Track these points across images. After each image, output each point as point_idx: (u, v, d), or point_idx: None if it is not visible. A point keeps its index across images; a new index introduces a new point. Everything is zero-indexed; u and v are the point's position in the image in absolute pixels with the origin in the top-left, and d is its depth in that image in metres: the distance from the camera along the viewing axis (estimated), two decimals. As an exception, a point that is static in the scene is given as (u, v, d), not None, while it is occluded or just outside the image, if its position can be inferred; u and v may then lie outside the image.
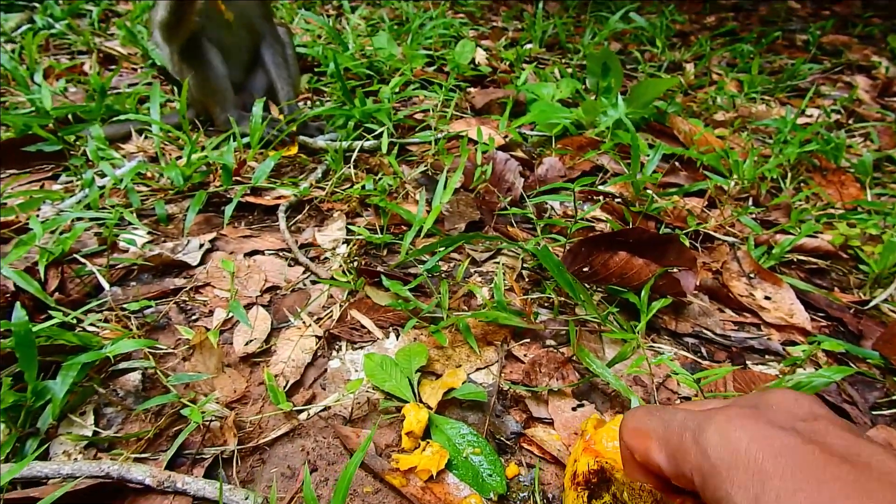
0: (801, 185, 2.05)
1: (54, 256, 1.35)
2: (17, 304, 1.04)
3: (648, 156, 1.86)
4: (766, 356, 1.34)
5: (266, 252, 1.54)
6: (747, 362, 1.31)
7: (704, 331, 1.38)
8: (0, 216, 1.53)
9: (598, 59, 2.35)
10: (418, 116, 2.25)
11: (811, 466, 0.43)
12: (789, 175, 2.06)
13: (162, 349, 1.21)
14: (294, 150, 1.96)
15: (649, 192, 1.79)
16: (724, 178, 1.93)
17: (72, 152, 1.84)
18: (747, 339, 1.37)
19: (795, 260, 1.67)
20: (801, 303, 1.48)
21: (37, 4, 2.89)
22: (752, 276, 1.58)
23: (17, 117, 1.81)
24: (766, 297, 1.51)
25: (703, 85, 3.06)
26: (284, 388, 1.15)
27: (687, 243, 1.56)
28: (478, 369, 1.21)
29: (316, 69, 2.55)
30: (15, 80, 2.20)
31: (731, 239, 1.71)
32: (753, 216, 1.83)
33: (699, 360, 1.29)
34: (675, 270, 1.39)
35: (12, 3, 2.91)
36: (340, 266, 1.48)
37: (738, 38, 3.85)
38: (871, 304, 1.51)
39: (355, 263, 1.47)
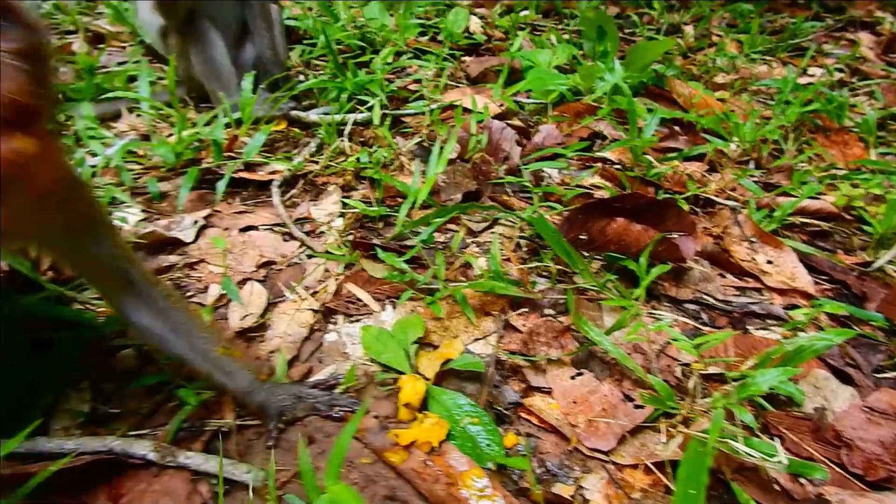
0: (804, 146, 2.01)
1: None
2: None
3: (647, 120, 1.82)
4: (768, 321, 1.32)
5: (261, 227, 1.52)
6: (748, 327, 1.29)
7: (705, 296, 1.37)
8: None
9: (594, 22, 2.29)
10: (412, 87, 2.21)
11: None
12: (791, 136, 2.02)
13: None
14: (284, 124, 1.93)
15: (648, 157, 1.75)
16: (724, 142, 1.90)
17: (62, 132, 1.82)
18: (749, 303, 1.36)
19: (798, 223, 1.64)
20: (804, 266, 1.46)
21: (22, -17, 2.83)
22: (753, 240, 1.56)
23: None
24: (768, 262, 1.49)
25: (703, 47, 3.00)
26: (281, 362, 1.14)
27: (686, 208, 1.54)
28: (476, 340, 1.20)
29: (306, 41, 2.50)
30: (2, 61, 2.16)
31: (731, 203, 1.69)
32: (755, 179, 1.80)
33: (700, 327, 1.28)
34: (674, 236, 1.37)
35: (-3, -18, 2.85)
36: (336, 240, 1.46)
37: (740, -1, 3.76)
38: (875, 265, 1.49)
39: (351, 237, 1.46)
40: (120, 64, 2.34)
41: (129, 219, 1.46)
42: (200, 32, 1.92)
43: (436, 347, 1.17)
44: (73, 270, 0.99)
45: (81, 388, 1.08)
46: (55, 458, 0.93)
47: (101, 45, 2.53)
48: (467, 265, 1.39)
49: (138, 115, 2.01)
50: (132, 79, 2.17)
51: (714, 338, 1.07)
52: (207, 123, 1.81)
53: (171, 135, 1.84)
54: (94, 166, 1.64)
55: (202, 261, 1.39)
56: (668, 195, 1.64)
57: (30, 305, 1.07)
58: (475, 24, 2.84)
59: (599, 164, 1.77)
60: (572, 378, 1.12)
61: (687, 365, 1.16)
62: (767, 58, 2.91)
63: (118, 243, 0.97)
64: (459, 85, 2.25)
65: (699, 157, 1.90)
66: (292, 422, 1.02)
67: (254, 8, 2.08)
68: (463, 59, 2.48)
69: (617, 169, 1.76)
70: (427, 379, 1.07)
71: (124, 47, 2.51)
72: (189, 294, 1.31)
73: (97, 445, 0.94)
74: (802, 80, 2.48)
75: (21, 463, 0.91)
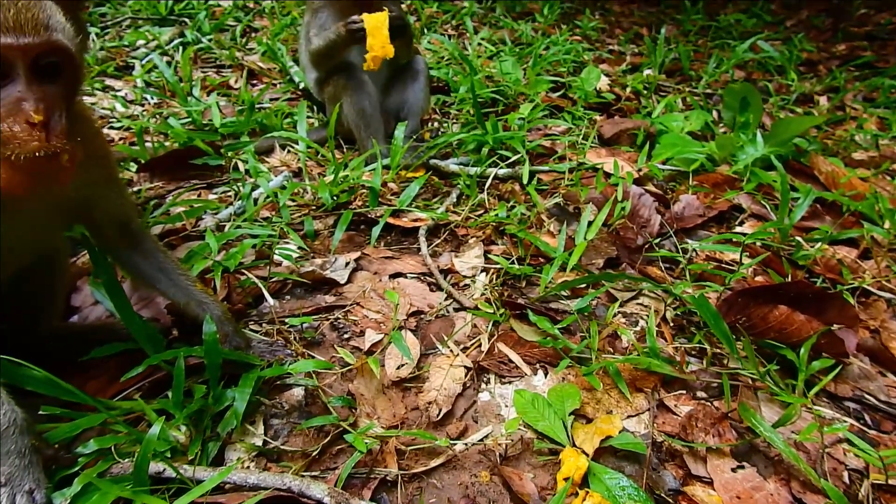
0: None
1: (224, 268, 1.44)
2: (207, 316, 1.11)
3: (798, 199, 1.77)
4: (940, 431, 1.24)
5: (408, 275, 1.58)
6: (920, 436, 1.22)
7: (867, 395, 1.31)
8: (167, 224, 1.66)
9: (738, 93, 2.27)
10: (546, 144, 2.25)
11: None
12: (948, 227, 1.91)
13: (329, 368, 1.25)
14: (423, 171, 2.00)
15: (798, 239, 1.70)
16: (879, 228, 1.81)
17: (223, 164, 1.97)
18: (916, 409, 1.28)
19: (962, 323, 1.54)
20: (974, 373, 1.37)
21: (187, 20, 3.11)
22: (914, 338, 1.48)
23: (183, 131, 1.95)
24: (933, 364, 1.40)
25: (839, 120, 2.90)
26: (437, 416, 1.17)
27: (852, 300, 1.48)
28: (629, 416, 1.20)
29: (452, 93, 2.60)
30: (173, 93, 2.37)
31: (888, 295, 1.61)
32: (913, 271, 1.71)
33: (864, 429, 1.22)
34: (836, 328, 1.32)
35: (165, 18, 3.16)
36: (483, 295, 1.50)
37: (876, 71, 3.62)
38: None
39: (494, 293, 1.49)
40: (272, 100, 2.51)
41: (292, 255, 1.55)
42: (356, 83, 2.04)
43: (589, 419, 1.17)
44: (87, 224, 1.13)
45: (254, 421, 1.15)
46: (238, 490, 1.00)
47: (254, 81, 2.73)
48: (614, 335, 1.39)
49: (289, 152, 2.15)
50: (284, 116, 2.32)
51: (900, 452, 1.02)
52: (354, 168, 1.91)
53: (321, 174, 1.95)
54: (256, 199, 1.76)
55: (357, 304, 1.46)
56: (825, 284, 1.58)
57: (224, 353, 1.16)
58: (603, 83, 2.87)
59: (765, 252, 1.73)
60: (733, 470, 1.09)
61: (857, 471, 1.11)
62: (911, 136, 2.78)
63: (128, 199, 1.19)
64: (593, 145, 2.27)
65: (847, 241, 1.83)
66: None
67: (404, 65, 2.20)
68: (594, 118, 2.51)
69: (767, 249, 1.71)
70: (586, 454, 1.07)
71: (275, 84, 2.70)
72: (346, 336, 1.37)
73: (276, 482, 0.99)
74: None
75: (209, 491, 0.97)
